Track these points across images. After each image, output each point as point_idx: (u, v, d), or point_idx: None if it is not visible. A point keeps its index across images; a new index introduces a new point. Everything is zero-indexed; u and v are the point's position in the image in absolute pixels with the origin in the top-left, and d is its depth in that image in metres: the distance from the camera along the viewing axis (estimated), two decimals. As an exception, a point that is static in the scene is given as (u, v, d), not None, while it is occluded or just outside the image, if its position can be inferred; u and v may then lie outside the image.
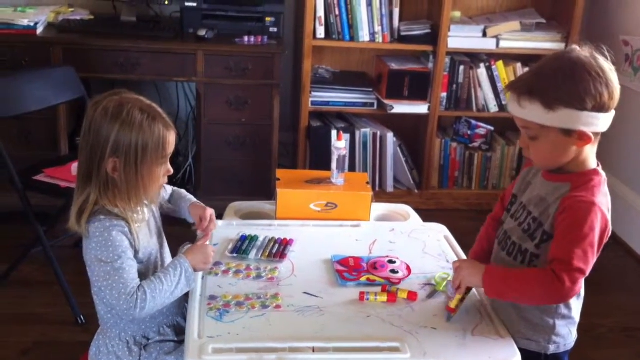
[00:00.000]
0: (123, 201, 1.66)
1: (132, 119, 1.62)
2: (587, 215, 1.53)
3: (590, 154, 1.62)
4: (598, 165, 1.64)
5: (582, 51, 1.57)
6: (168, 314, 1.79)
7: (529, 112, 1.56)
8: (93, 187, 1.66)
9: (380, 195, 3.76)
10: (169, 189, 1.96)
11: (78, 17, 3.51)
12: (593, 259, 1.56)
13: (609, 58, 1.58)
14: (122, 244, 1.63)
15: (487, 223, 1.88)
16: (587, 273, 1.56)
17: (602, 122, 1.56)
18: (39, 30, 3.30)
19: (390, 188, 3.88)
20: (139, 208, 1.71)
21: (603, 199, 1.58)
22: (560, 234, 1.56)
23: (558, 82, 1.53)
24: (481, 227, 1.90)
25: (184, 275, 1.67)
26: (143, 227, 1.73)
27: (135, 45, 3.32)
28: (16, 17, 3.28)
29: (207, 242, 1.82)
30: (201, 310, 1.67)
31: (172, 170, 1.74)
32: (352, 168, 3.77)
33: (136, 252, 1.68)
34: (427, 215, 2.30)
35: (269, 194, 2.85)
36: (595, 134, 1.58)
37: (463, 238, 2.11)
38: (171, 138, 1.69)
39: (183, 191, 1.98)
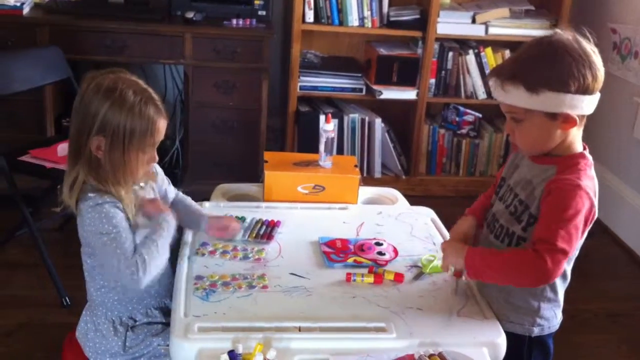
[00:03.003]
0: (109, 180, 1.64)
1: (124, 100, 1.59)
2: (572, 197, 1.53)
3: (576, 138, 1.62)
4: (585, 149, 1.64)
5: (564, 34, 1.57)
6: (156, 296, 1.78)
7: (513, 97, 1.56)
8: (81, 164, 1.63)
9: (368, 181, 3.74)
10: (172, 191, 1.92)
11: (65, -2, 3.48)
12: (577, 241, 1.56)
13: (591, 41, 1.58)
14: (116, 215, 1.61)
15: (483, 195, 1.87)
16: (570, 255, 1.56)
17: (586, 104, 1.56)
18: (25, 10, 3.27)
19: (378, 174, 3.88)
20: (127, 187, 1.68)
21: (589, 183, 1.58)
22: (545, 215, 1.56)
23: (540, 65, 1.53)
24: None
25: (168, 229, 1.68)
26: (134, 208, 1.69)
27: (123, 27, 3.30)
28: (2, -3, 3.25)
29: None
30: (187, 289, 1.66)
31: (157, 158, 1.71)
32: (340, 153, 3.76)
33: (131, 226, 1.66)
34: (414, 201, 2.30)
35: (257, 178, 2.84)
36: (580, 117, 1.58)
37: (450, 224, 2.08)
38: (161, 125, 1.66)
39: (189, 199, 1.95)
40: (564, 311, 1.73)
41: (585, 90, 1.54)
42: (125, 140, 1.60)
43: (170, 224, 1.69)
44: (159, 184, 1.84)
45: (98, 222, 1.60)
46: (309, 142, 3.61)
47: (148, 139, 1.63)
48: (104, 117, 1.59)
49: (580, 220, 1.54)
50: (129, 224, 1.65)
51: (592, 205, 1.57)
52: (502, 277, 1.61)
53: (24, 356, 2.44)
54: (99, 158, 1.63)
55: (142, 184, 1.74)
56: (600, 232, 3.52)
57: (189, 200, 1.95)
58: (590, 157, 1.63)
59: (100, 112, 1.59)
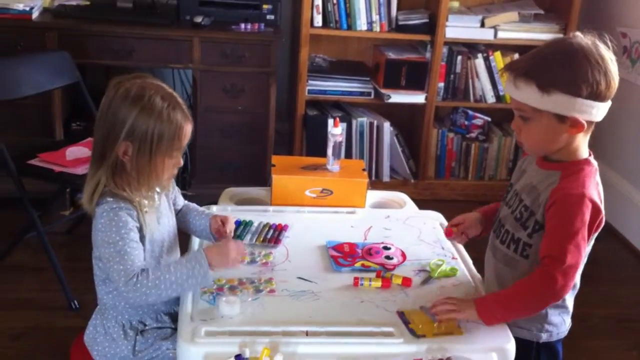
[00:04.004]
0: (132, 186, 1.64)
1: (153, 106, 1.60)
2: (577, 208, 1.53)
3: (582, 143, 1.61)
4: (590, 155, 1.63)
5: (584, 38, 1.56)
6: (167, 303, 1.76)
7: (524, 94, 1.54)
8: (104, 168, 1.64)
9: (377, 184, 3.74)
10: (182, 200, 1.91)
11: (74, 3, 3.49)
12: (585, 251, 1.56)
13: (610, 48, 1.56)
14: (127, 225, 1.61)
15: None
16: (580, 266, 1.55)
17: (596, 111, 1.54)
18: (34, 15, 3.27)
19: (386, 178, 3.87)
20: (149, 194, 1.69)
21: (594, 189, 1.57)
22: (552, 229, 1.55)
23: (555, 66, 1.52)
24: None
25: (197, 269, 1.60)
26: (153, 215, 1.70)
27: (131, 31, 3.30)
28: (11, 2, 3.25)
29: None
30: (194, 293, 1.65)
31: (182, 163, 1.71)
32: (348, 157, 3.75)
33: (142, 237, 1.65)
34: (423, 205, 2.29)
35: (265, 182, 2.84)
36: (589, 123, 1.56)
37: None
38: (188, 130, 1.67)
39: (194, 205, 1.93)
40: (573, 316, 1.72)
41: (597, 97, 1.53)
42: (153, 145, 1.61)
43: (200, 268, 1.60)
44: (169, 193, 1.84)
45: (108, 228, 1.60)
46: (317, 146, 3.61)
47: (175, 143, 1.65)
48: (132, 123, 1.60)
49: (586, 229, 1.53)
50: (142, 234, 1.65)
51: (598, 212, 1.55)
52: (522, 310, 1.59)
53: (33, 359, 2.44)
54: (124, 163, 1.63)
55: (158, 190, 1.74)
56: (609, 236, 3.49)
57: (198, 207, 1.93)
58: (595, 163, 1.61)
59: (128, 119, 1.60)
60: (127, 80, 1.64)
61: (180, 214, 1.88)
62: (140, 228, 1.65)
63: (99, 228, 1.62)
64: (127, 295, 1.59)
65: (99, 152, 1.65)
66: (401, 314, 1.63)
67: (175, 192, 1.88)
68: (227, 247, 1.67)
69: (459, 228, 1.86)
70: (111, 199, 1.62)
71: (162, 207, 1.76)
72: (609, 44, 1.56)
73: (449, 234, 1.83)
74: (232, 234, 1.85)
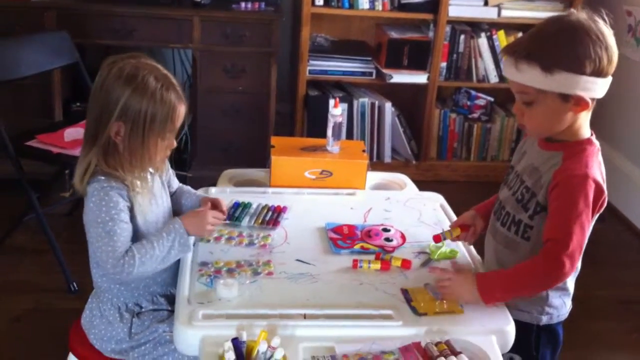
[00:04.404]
0: (124, 167, 1.63)
1: (146, 86, 1.58)
2: (581, 189, 1.51)
3: (584, 122, 1.59)
4: (592, 135, 1.61)
5: (581, 14, 1.53)
6: (162, 284, 1.76)
7: (527, 76, 1.52)
8: (96, 148, 1.62)
9: (378, 165, 3.72)
10: (176, 182, 1.89)
11: (72, -18, 3.45)
12: (589, 231, 1.54)
13: (607, 22, 1.54)
14: (117, 205, 1.60)
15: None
16: (584, 247, 1.54)
17: (599, 87, 1.52)
18: (33, -6, 3.25)
19: (388, 159, 3.85)
20: (142, 174, 1.67)
21: (597, 169, 1.55)
22: (555, 211, 1.54)
23: (558, 45, 1.50)
24: (478, 199, 1.88)
25: (177, 241, 1.64)
26: (146, 196, 1.68)
27: (131, 11, 3.27)
28: (9, -19, 3.23)
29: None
30: (192, 276, 1.64)
31: (175, 144, 1.69)
32: (349, 138, 3.72)
33: (133, 217, 1.64)
34: (424, 186, 2.27)
35: (266, 164, 2.81)
36: (592, 100, 1.54)
37: (460, 210, 2.06)
38: (181, 111, 1.65)
39: (188, 187, 1.92)
40: (574, 298, 1.71)
41: (600, 73, 1.51)
42: (146, 126, 1.60)
43: (180, 238, 1.64)
44: (164, 174, 1.82)
45: (98, 207, 1.59)
46: (318, 126, 3.56)
47: (168, 125, 1.63)
48: (125, 103, 1.58)
49: (590, 210, 1.52)
50: (133, 214, 1.64)
51: (601, 192, 1.54)
52: (523, 291, 1.59)
53: (32, 342, 2.44)
54: (117, 143, 1.62)
55: (151, 171, 1.72)
56: (612, 218, 3.47)
57: (191, 189, 1.92)
58: (597, 143, 1.60)
59: (121, 98, 1.58)
60: (120, 60, 1.62)
61: (174, 197, 1.86)
62: (132, 208, 1.64)
63: (90, 207, 1.61)
64: (114, 277, 1.60)
65: (91, 132, 1.63)
66: (405, 292, 1.62)
67: (170, 174, 1.86)
68: (204, 216, 1.69)
69: (463, 226, 1.81)
70: (102, 178, 1.61)
71: (156, 189, 1.74)
72: (605, 17, 1.54)
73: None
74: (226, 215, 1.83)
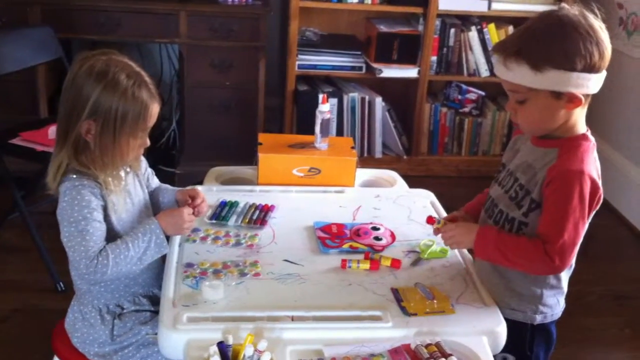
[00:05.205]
0: (97, 165, 1.59)
1: (117, 83, 1.54)
2: (575, 185, 1.49)
3: (579, 118, 1.56)
4: (587, 130, 1.58)
5: (571, 9, 1.51)
6: (144, 284, 1.73)
7: (517, 75, 1.49)
8: (67, 146, 1.58)
9: (369, 161, 3.69)
10: (156, 182, 1.85)
11: (57, -24, 3.40)
12: (584, 228, 1.52)
13: (599, 16, 1.51)
14: (90, 204, 1.56)
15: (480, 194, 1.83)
16: (579, 243, 1.52)
17: (592, 83, 1.50)
18: (16, -12, 3.19)
19: (378, 154, 3.81)
20: (115, 172, 1.64)
21: (592, 166, 1.53)
22: (550, 207, 1.52)
23: (546, 42, 1.47)
24: (470, 194, 1.86)
25: (153, 241, 1.60)
26: (120, 194, 1.64)
27: (116, 5, 3.22)
28: (-8, -25, 3.17)
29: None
30: (177, 277, 1.61)
31: (149, 143, 1.66)
32: (339, 133, 3.70)
33: (107, 216, 1.60)
34: (415, 181, 2.24)
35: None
36: (586, 96, 1.52)
37: (452, 205, 2.04)
38: (154, 110, 1.61)
39: (166, 185, 1.87)
40: (568, 293, 1.69)
41: (592, 69, 1.48)
42: (117, 124, 1.56)
43: (156, 239, 1.60)
44: (141, 172, 1.78)
45: (71, 206, 1.55)
46: (307, 122, 3.51)
47: (140, 123, 1.59)
48: (95, 100, 1.54)
49: (585, 207, 1.50)
50: (106, 212, 1.60)
51: (596, 188, 1.52)
52: (510, 262, 1.57)
53: (19, 342, 2.40)
54: (88, 142, 1.58)
55: (127, 169, 1.68)
56: (606, 213, 3.44)
57: (168, 186, 1.87)
58: (592, 139, 1.57)
59: (92, 95, 1.54)
60: (92, 56, 1.58)
61: (152, 195, 1.82)
62: (105, 207, 1.60)
63: (62, 207, 1.57)
64: (87, 278, 1.56)
65: (62, 130, 1.60)
66: (395, 291, 1.60)
67: (149, 172, 1.82)
68: (181, 214, 1.65)
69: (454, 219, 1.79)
70: (74, 176, 1.57)
71: (131, 187, 1.70)
72: (597, 12, 1.51)
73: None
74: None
